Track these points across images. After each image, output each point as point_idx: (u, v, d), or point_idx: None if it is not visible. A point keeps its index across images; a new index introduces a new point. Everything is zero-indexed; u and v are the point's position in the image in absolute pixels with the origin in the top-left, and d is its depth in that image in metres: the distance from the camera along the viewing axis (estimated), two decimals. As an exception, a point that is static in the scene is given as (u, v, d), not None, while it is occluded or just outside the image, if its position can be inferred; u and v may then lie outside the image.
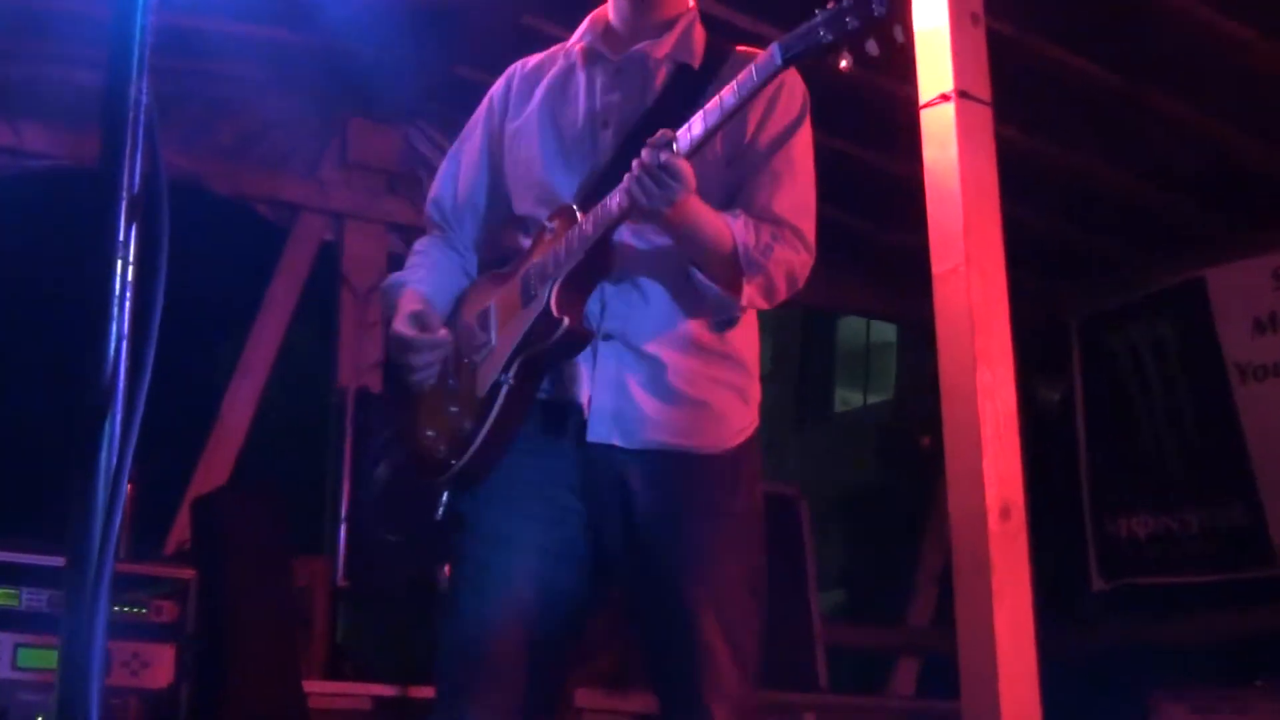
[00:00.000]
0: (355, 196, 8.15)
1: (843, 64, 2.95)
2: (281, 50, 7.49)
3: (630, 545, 3.29)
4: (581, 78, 3.52)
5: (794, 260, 3.30)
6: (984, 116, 4.45)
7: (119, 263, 1.65)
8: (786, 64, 3.00)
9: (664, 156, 3.02)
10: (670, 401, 3.29)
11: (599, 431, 3.29)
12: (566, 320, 3.21)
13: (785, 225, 3.30)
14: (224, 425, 7.49)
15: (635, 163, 3.06)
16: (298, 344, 8.19)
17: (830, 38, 2.92)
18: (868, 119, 6.94)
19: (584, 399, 3.30)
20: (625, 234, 3.29)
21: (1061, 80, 7.05)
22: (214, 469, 7.31)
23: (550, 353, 3.25)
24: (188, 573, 5.76)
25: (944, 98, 4.39)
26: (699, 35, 3.54)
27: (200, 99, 7.49)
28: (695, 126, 3.06)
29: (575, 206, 3.28)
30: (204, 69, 7.30)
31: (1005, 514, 4.08)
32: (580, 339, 3.25)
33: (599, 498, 3.32)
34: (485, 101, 3.74)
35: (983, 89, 4.46)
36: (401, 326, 3.41)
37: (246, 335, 7.76)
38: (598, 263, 3.26)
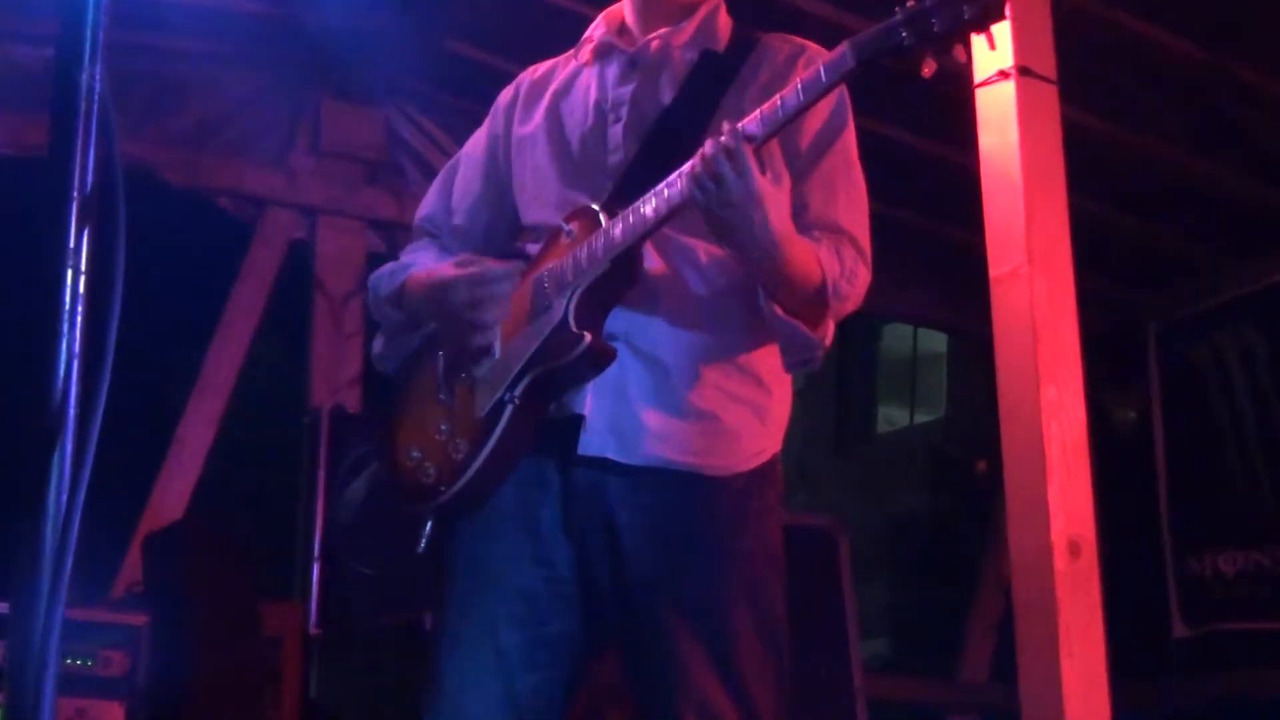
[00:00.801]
0: (329, 188, 8.14)
1: (925, 70, 2.93)
2: (244, 22, 7.51)
3: (620, 591, 3.27)
4: (592, 74, 3.55)
5: (860, 278, 3.32)
6: (1048, 96, 4.46)
7: (69, 272, 1.64)
8: (860, 66, 2.96)
9: (732, 143, 2.96)
10: (675, 413, 3.28)
11: (593, 444, 3.27)
12: (588, 337, 3.18)
13: (845, 237, 3.31)
14: (180, 451, 7.48)
15: (699, 154, 3.00)
16: (264, 357, 8.20)
17: (911, 40, 2.89)
18: (915, 99, 6.94)
19: (582, 411, 3.28)
20: None
21: (1138, 54, 7.05)
22: (169, 501, 7.30)
23: (566, 371, 3.23)
24: (139, 619, 5.77)
25: (1003, 75, 4.40)
26: (724, 22, 3.55)
27: (151, 78, 7.50)
28: (752, 128, 3.01)
29: (599, 209, 3.27)
30: (155, 44, 7.31)
31: (1074, 551, 4.08)
32: (602, 358, 3.22)
33: (585, 535, 3.30)
34: (491, 113, 3.77)
35: (1047, 65, 4.47)
36: (447, 269, 3.39)
37: (206, 348, 7.75)
38: (623, 273, 3.24)
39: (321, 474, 7.16)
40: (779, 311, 3.16)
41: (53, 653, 1.54)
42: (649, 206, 3.12)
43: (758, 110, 3.01)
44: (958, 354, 17.93)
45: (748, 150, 2.95)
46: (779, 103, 3.00)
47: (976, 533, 9.87)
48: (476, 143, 3.77)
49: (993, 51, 4.41)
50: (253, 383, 7.92)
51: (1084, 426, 4.21)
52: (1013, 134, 4.34)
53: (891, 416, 20.86)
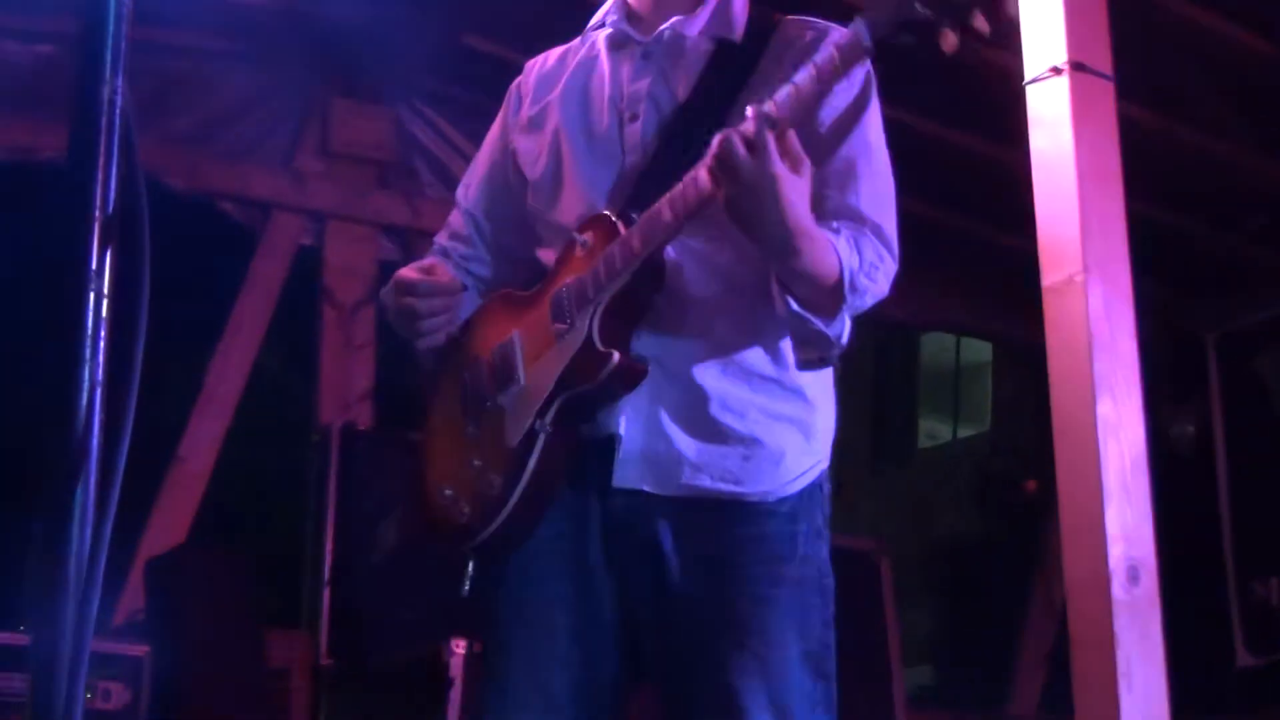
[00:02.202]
0: (338, 192, 8.17)
1: (946, 45, 2.92)
2: (248, 16, 7.54)
3: (665, 625, 3.27)
4: (605, 66, 3.52)
5: (883, 271, 3.31)
6: (1104, 93, 4.46)
7: (91, 296, 1.64)
8: (877, 44, 2.95)
9: (750, 128, 2.93)
10: (712, 439, 3.26)
11: (627, 475, 3.26)
12: (616, 355, 3.17)
13: (868, 224, 3.29)
14: (182, 471, 7.50)
15: (716, 139, 2.97)
16: (270, 370, 8.20)
17: (928, 12, 2.87)
18: (961, 94, 6.94)
19: (617, 430, 3.26)
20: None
21: (1199, 46, 7.05)
22: (171, 523, 7.32)
23: (596, 393, 3.21)
24: (140, 649, 5.78)
25: (1055, 71, 4.40)
26: (740, 5, 3.51)
27: (152, 76, 7.51)
28: (770, 112, 2.96)
29: (614, 217, 3.25)
30: (157, 40, 7.33)
31: (1133, 577, 4.08)
32: (632, 376, 3.21)
33: (627, 569, 3.30)
34: (506, 97, 3.76)
35: (1103, 60, 4.47)
36: (405, 271, 3.43)
37: (209, 362, 7.77)
38: (646, 284, 3.23)
39: (331, 495, 7.17)
40: (791, 303, 3.12)
41: (79, 689, 1.55)
42: (666, 210, 3.11)
43: (771, 99, 2.98)
44: (1004, 364, 17.90)
45: (766, 135, 2.93)
46: (793, 88, 2.97)
47: (1026, 556, 9.85)
48: (491, 133, 3.77)
49: (1042, 45, 4.44)
50: (258, 398, 7.93)
51: (1143, 444, 4.21)
52: (1066, 133, 4.34)
53: (933, 430, 20.81)
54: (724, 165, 2.94)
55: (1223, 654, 8.90)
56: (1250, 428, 9.08)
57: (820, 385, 3.37)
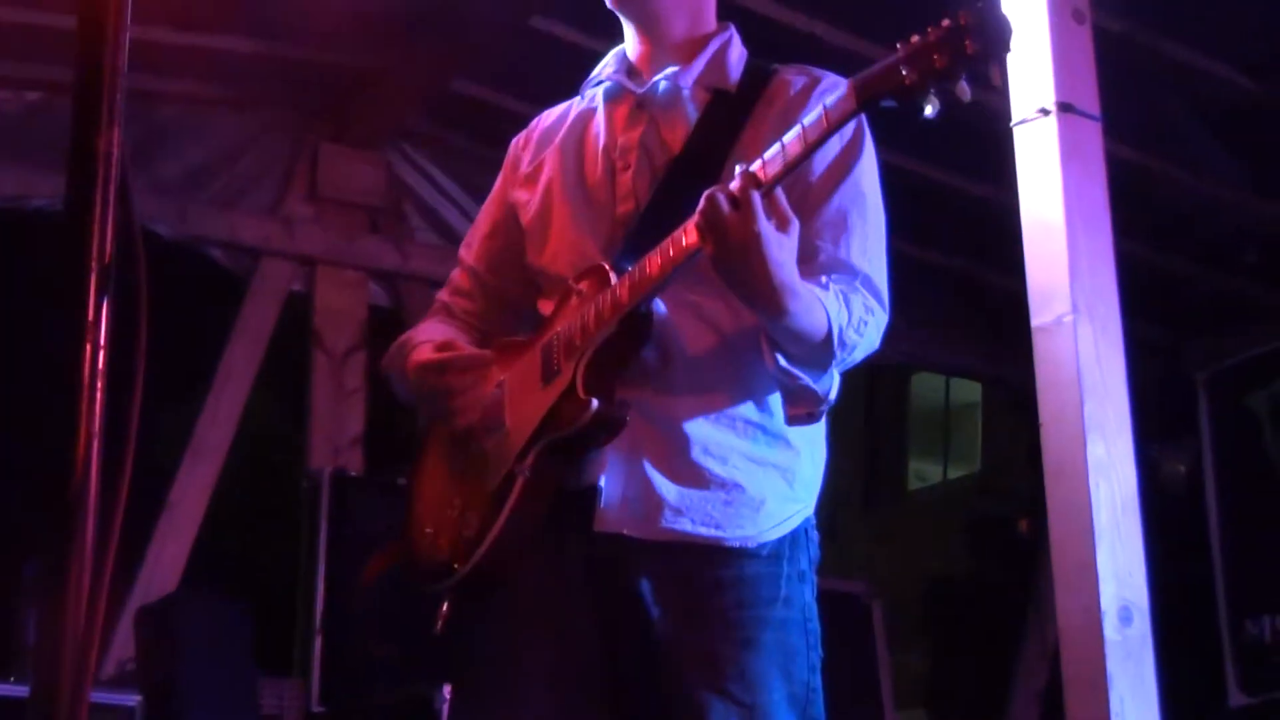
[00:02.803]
0: (328, 237, 8.17)
1: (928, 109, 2.94)
2: (236, 63, 7.56)
3: (647, 669, 3.25)
4: (601, 118, 3.55)
5: (873, 324, 3.29)
6: (1092, 134, 4.47)
7: (89, 347, 1.64)
8: (863, 107, 2.96)
9: (736, 187, 2.95)
10: (694, 483, 3.25)
11: (607, 520, 3.24)
12: (596, 403, 3.16)
13: (858, 276, 3.31)
14: (173, 518, 7.49)
15: (704, 198, 2.99)
16: (260, 416, 8.19)
17: (914, 78, 2.89)
18: (948, 135, 6.95)
19: (598, 481, 3.25)
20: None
21: (1187, 87, 7.07)
22: (162, 571, 7.31)
23: (575, 440, 3.22)
24: (132, 698, 5.77)
25: (1042, 112, 4.41)
26: (736, 57, 3.55)
27: (140, 123, 7.53)
28: (757, 172, 2.99)
29: (608, 268, 3.27)
30: (144, 86, 7.36)
31: (1126, 618, 4.08)
32: (612, 424, 3.20)
33: (608, 613, 3.29)
34: (508, 155, 3.78)
35: (1090, 101, 4.48)
36: (427, 351, 3.45)
37: (200, 408, 7.76)
38: (633, 335, 3.24)
39: (323, 541, 7.16)
40: (779, 359, 3.12)
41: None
42: (654, 263, 3.12)
43: (760, 159, 3.00)
44: (993, 404, 17.93)
45: (751, 194, 2.94)
46: (780, 148, 2.99)
47: (1018, 597, 9.85)
48: (494, 190, 3.78)
49: (1030, 86, 4.46)
50: (249, 443, 7.91)
51: (1134, 484, 4.21)
52: (1054, 175, 4.35)
53: (923, 471, 20.84)
54: (710, 223, 2.95)
55: (1216, 693, 8.90)
56: (1241, 466, 9.09)
57: (806, 432, 3.36)
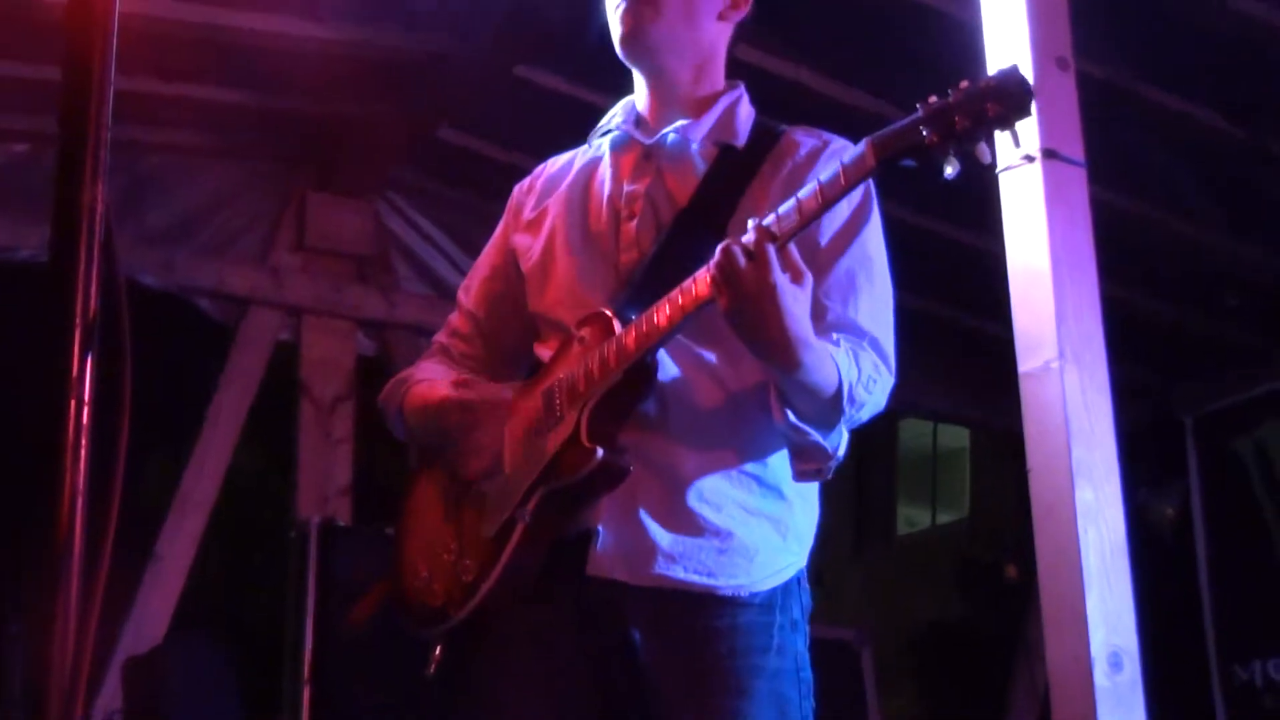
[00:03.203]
0: (315, 286, 8.17)
1: (948, 170, 2.93)
2: (223, 112, 7.57)
3: (642, 716, 3.23)
4: (608, 167, 3.57)
5: (880, 385, 3.30)
6: (1077, 179, 4.47)
7: (73, 402, 1.63)
8: (881, 165, 2.98)
9: (752, 239, 2.96)
10: (688, 529, 3.25)
11: (601, 565, 3.24)
12: (601, 452, 3.16)
13: (866, 337, 3.31)
14: (160, 568, 7.47)
15: (719, 249, 3.00)
16: (248, 466, 8.17)
17: (934, 138, 2.91)
18: (933, 180, 6.96)
19: (590, 527, 3.25)
20: None
21: (1171, 133, 7.09)
22: (149, 621, 7.29)
23: (578, 488, 3.21)
24: (119, 750, 5.75)
25: (1028, 159, 4.41)
26: (745, 115, 3.58)
27: (127, 173, 7.54)
28: (772, 226, 3.00)
29: (611, 315, 3.28)
30: (129, 136, 7.36)
31: (1116, 663, 4.07)
32: (616, 474, 3.21)
33: (600, 660, 3.28)
34: (509, 201, 3.78)
35: (1074, 147, 4.49)
36: (443, 388, 3.47)
37: (187, 458, 7.74)
38: (637, 384, 3.24)
39: (311, 591, 7.13)
40: (789, 415, 3.13)
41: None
42: (662, 314, 3.13)
43: (775, 209, 3.02)
44: (980, 449, 17.94)
45: (766, 246, 2.95)
46: (796, 204, 3.00)
47: (1008, 643, 9.83)
48: (494, 236, 3.78)
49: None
50: (236, 493, 7.89)
51: (1123, 529, 4.20)
52: (1040, 221, 4.35)
53: (912, 517, 20.84)
54: (725, 274, 2.96)
55: (1207, 738, 8.89)
56: (1230, 510, 9.09)
57: (800, 486, 3.36)
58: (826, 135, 3.48)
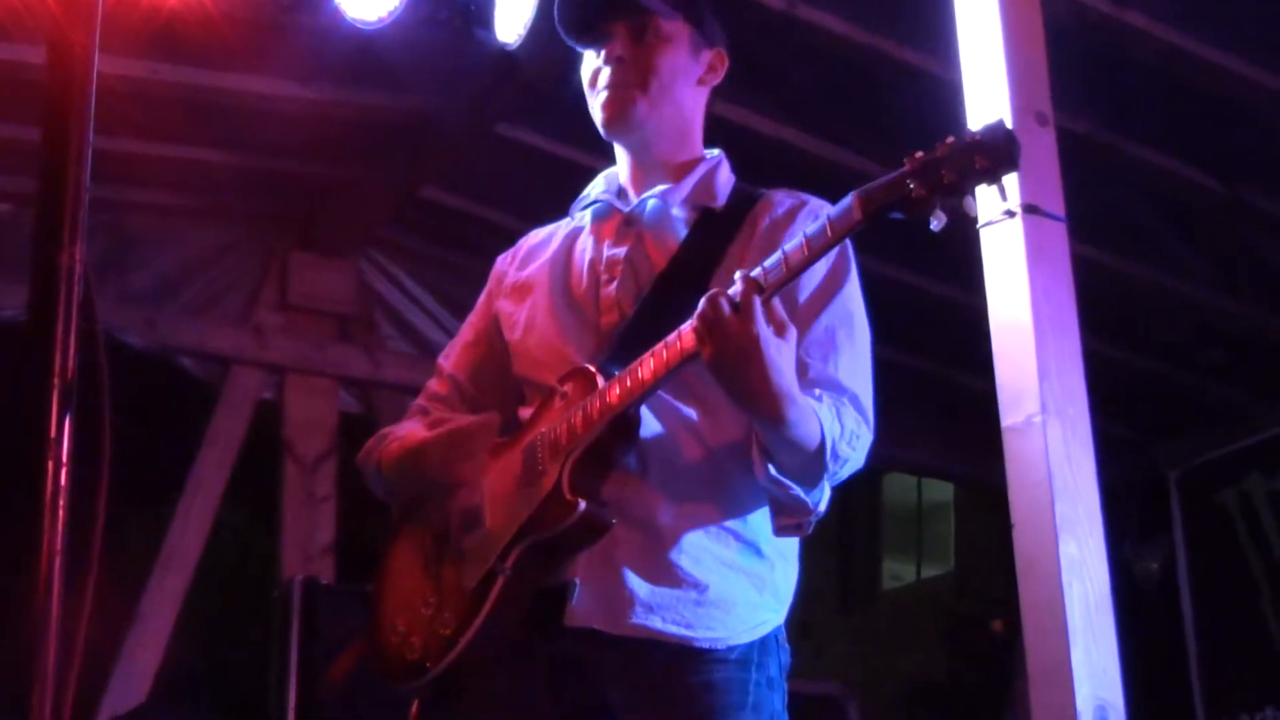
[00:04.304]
0: (298, 345, 8.17)
1: (934, 224, 2.95)
2: (206, 172, 7.58)
3: None
4: (589, 234, 3.60)
5: (862, 441, 3.30)
6: (1057, 235, 4.48)
7: (50, 464, 1.62)
8: (868, 218, 2.98)
9: (737, 290, 2.97)
10: (666, 581, 3.25)
11: (578, 614, 3.24)
12: (582, 504, 3.16)
13: (846, 394, 3.32)
14: (143, 628, 7.44)
15: (704, 300, 3.01)
16: (231, 524, 8.14)
17: (921, 192, 2.92)
18: (915, 236, 6.97)
19: (572, 578, 3.25)
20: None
21: (1152, 188, 7.12)
22: (132, 682, 7.26)
23: (559, 541, 3.21)
24: (102, 812, 5.72)
25: (1009, 214, 4.42)
26: (724, 179, 3.60)
27: (110, 233, 7.55)
28: (758, 278, 3.02)
29: (595, 371, 3.29)
30: (114, 196, 7.37)
31: (1102, 718, 4.06)
32: (597, 527, 3.20)
33: (575, 714, 3.25)
34: (493, 270, 3.80)
35: (1055, 202, 4.50)
36: (420, 433, 3.50)
37: (170, 517, 7.72)
38: (620, 437, 3.25)
39: (294, 651, 7.10)
40: (771, 469, 3.14)
41: None
42: (646, 368, 3.14)
43: (761, 263, 3.03)
44: (965, 502, 17.92)
45: (753, 297, 2.96)
46: (782, 257, 3.01)
47: (993, 697, 9.82)
48: (478, 303, 3.79)
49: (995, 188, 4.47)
50: (220, 552, 7.87)
51: (1108, 584, 4.20)
52: (1021, 276, 4.36)
53: (897, 571, 20.80)
54: (709, 325, 2.97)
55: (1194, 792, 8.86)
56: (1215, 563, 9.09)
57: (779, 543, 3.38)
58: (804, 195, 3.52)
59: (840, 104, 6.84)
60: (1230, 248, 7.64)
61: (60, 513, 1.65)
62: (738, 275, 3.00)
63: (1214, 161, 7.00)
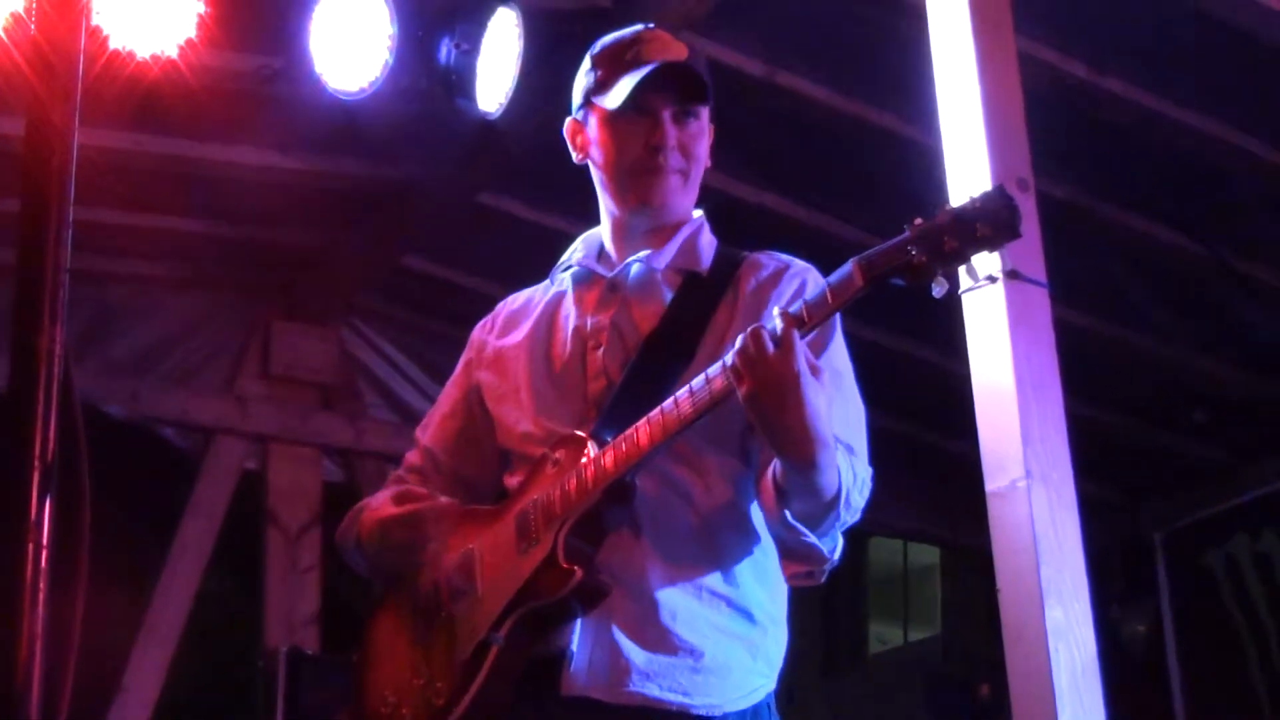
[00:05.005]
0: (281, 415, 8.16)
1: (936, 291, 2.96)
2: (188, 242, 7.58)
3: None
4: (571, 301, 3.58)
5: (866, 492, 3.29)
6: (1040, 300, 4.49)
7: (30, 546, 1.61)
8: (869, 284, 2.97)
9: (779, 325, 2.95)
10: (662, 648, 3.24)
11: (575, 683, 3.21)
12: (579, 572, 3.16)
13: (844, 446, 3.27)
14: (125, 702, 7.42)
15: (741, 336, 2.98)
16: (216, 596, 8.11)
17: (922, 259, 2.92)
18: (898, 300, 6.98)
19: (568, 646, 3.23)
20: None
21: (1133, 251, 7.14)
22: (117, 754, 7.23)
23: (555, 609, 3.20)
24: None
25: (990, 279, 4.43)
26: (707, 242, 3.59)
27: (91, 304, 7.54)
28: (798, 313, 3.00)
29: (586, 437, 3.28)
30: (94, 267, 7.36)
31: (1090, 785, 4.05)
32: (594, 595, 3.20)
33: None
34: (468, 343, 3.77)
35: (1036, 267, 4.50)
36: (388, 508, 3.48)
37: (153, 588, 7.69)
38: (616, 504, 3.24)
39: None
40: (787, 515, 3.11)
41: None
42: (643, 433, 3.13)
43: (805, 299, 3.02)
44: (952, 564, 17.89)
45: (793, 333, 2.94)
46: (805, 305, 3.00)
47: (982, 762, 9.79)
48: (455, 374, 3.78)
49: (978, 254, 4.48)
50: (203, 622, 7.83)
51: (1094, 648, 4.19)
52: (1003, 341, 4.36)
53: (884, 634, 20.75)
54: (749, 359, 2.95)
55: None
56: (1201, 625, 9.08)
57: (770, 609, 3.38)
58: (785, 258, 3.51)
59: (820, 169, 6.87)
60: (1211, 309, 7.66)
61: (40, 595, 1.64)
62: (776, 312, 2.99)
63: (1193, 224, 7.02)
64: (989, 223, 2.88)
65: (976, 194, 2.94)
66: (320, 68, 5.85)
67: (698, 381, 3.08)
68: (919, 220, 2.94)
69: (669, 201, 3.51)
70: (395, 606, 3.52)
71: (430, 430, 3.75)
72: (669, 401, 3.10)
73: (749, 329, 2.97)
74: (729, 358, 2.99)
